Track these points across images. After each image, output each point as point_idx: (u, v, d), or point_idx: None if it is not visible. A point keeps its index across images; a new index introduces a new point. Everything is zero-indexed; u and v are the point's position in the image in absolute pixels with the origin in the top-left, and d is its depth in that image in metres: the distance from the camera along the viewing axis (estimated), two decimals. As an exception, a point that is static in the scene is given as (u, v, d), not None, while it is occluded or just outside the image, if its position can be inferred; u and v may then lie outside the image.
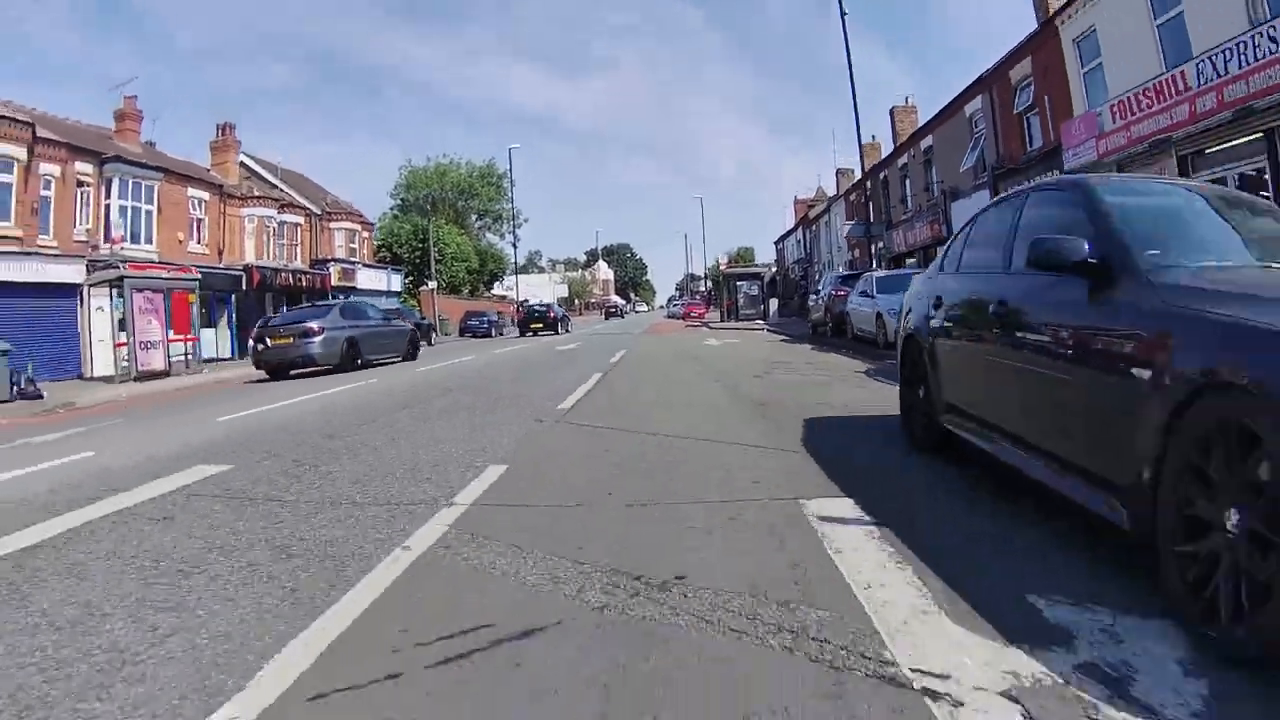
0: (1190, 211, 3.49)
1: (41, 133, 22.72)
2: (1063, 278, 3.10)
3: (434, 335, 33.66)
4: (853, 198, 36.62)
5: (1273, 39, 10.92)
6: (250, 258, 30.75)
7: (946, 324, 4.60)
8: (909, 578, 2.76)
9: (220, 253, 29.80)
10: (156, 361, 19.68)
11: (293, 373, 16.36)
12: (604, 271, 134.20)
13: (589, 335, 31.80)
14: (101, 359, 22.27)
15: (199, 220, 29.04)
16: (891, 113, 36.45)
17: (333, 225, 38.53)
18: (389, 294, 40.35)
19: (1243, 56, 11.41)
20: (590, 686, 2.09)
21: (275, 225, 32.62)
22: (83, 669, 2.34)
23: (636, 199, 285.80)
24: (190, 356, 21.16)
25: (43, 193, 22.87)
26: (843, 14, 22.52)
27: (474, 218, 56.88)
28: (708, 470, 4.77)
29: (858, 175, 31.08)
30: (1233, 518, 2.06)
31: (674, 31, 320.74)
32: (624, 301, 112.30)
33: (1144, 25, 14.24)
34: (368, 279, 38.78)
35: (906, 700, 1.95)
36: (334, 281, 35.30)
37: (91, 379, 21.45)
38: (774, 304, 41.14)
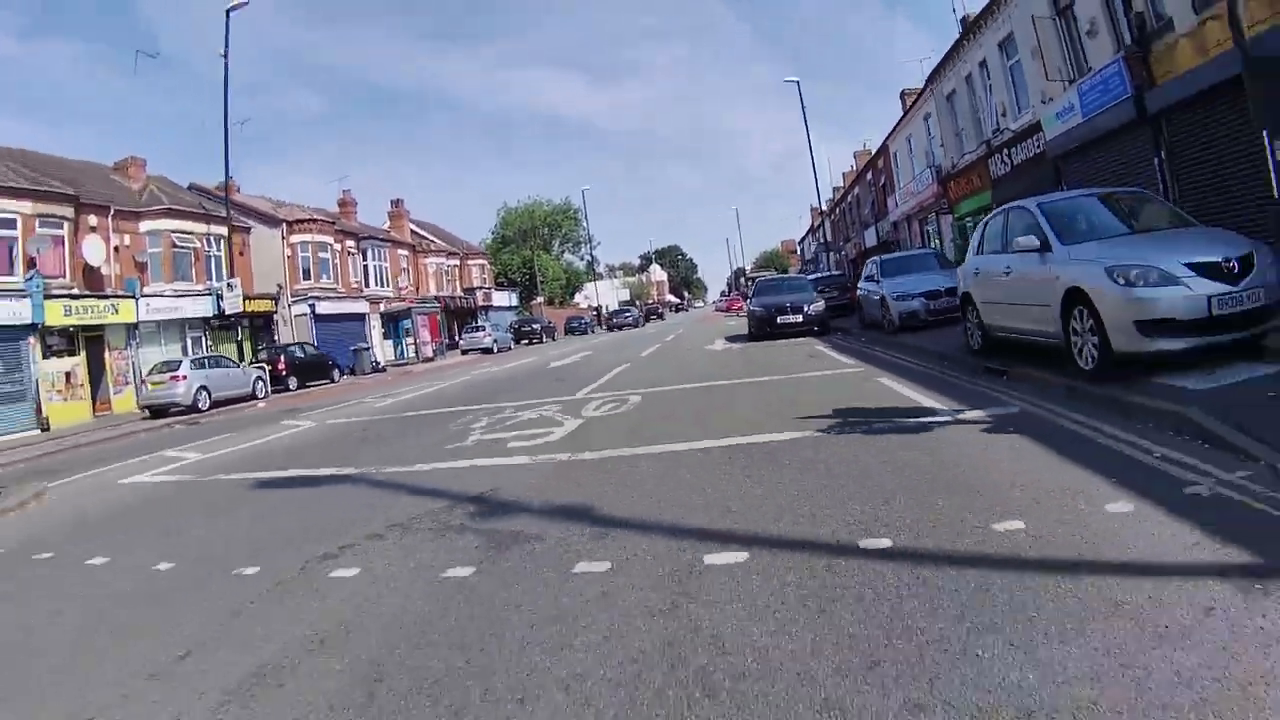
0: None
1: (337, 225, 39.96)
2: None
3: (555, 334, 50.08)
4: (831, 217, 52.36)
5: (925, 177, 26.43)
6: (433, 291, 47.85)
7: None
8: (733, 347, 19.16)
9: (417, 289, 46.89)
10: (428, 352, 36.81)
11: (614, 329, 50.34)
12: (658, 274, 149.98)
13: (669, 323, 50.28)
14: (381, 355, 39.30)
15: (405, 269, 46.18)
16: (855, 155, 52.04)
17: (470, 263, 55.65)
18: (510, 309, 57.37)
19: (918, 182, 27.01)
20: (683, 346, 18.66)
21: (445, 268, 49.87)
22: (583, 373, 19.07)
23: (683, 200, 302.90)
24: (437, 351, 38.25)
25: (331, 259, 40.03)
26: (803, 106, 38.26)
27: (557, 243, 73.96)
28: (706, 331, 21.62)
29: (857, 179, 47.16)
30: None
31: (709, 32, 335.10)
32: (681, 300, 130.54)
33: (907, 152, 29.84)
34: (498, 299, 55.81)
35: (714, 344, 18.41)
36: (479, 303, 52.29)
37: (382, 366, 38.40)
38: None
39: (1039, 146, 17.15)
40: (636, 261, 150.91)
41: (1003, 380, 8.25)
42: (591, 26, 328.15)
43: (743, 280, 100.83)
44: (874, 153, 35.88)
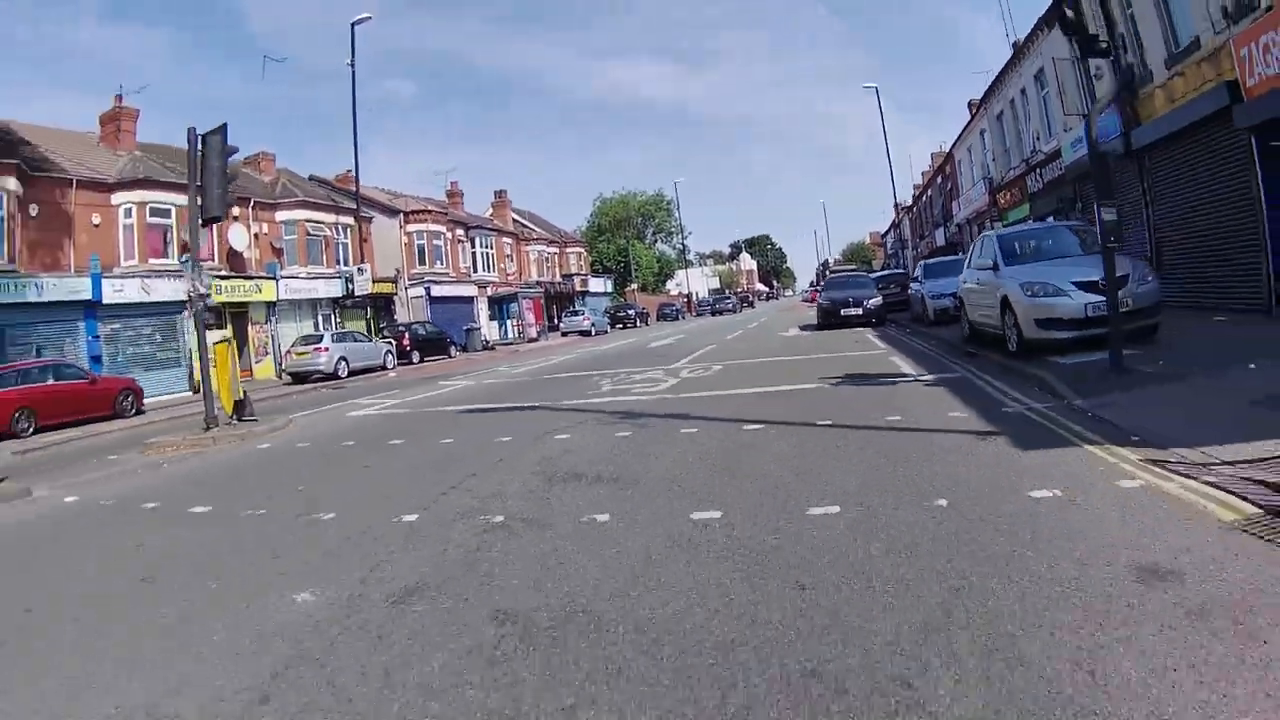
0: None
1: (448, 215, 45.08)
2: None
3: (648, 319, 54.49)
4: (910, 214, 55.03)
5: (979, 186, 29.44)
6: (535, 276, 52.75)
7: None
8: (802, 334, 23.00)
9: (520, 274, 51.84)
10: (532, 333, 41.66)
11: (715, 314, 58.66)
12: (747, 262, 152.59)
13: (757, 311, 54.31)
14: (489, 335, 44.29)
15: (508, 255, 51.17)
16: (932, 156, 54.49)
17: (568, 250, 60.44)
18: (605, 294, 61.99)
19: (975, 190, 30.05)
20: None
21: (546, 255, 54.77)
22: (689, 343, 23.21)
23: (774, 190, 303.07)
24: (541, 333, 43.05)
25: (444, 247, 45.10)
26: (881, 112, 41.42)
27: (650, 233, 78.44)
28: (786, 319, 25.47)
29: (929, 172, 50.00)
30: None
31: (799, 18, 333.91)
32: (770, 289, 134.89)
33: (968, 161, 32.79)
34: (594, 285, 60.53)
35: (788, 331, 22.40)
36: (576, 288, 57.02)
37: (491, 345, 43.38)
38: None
39: (1060, 170, 20.33)
40: (726, 249, 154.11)
41: (974, 359, 11.91)
42: (684, 11, 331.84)
43: (826, 272, 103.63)
44: (943, 158, 38.86)
